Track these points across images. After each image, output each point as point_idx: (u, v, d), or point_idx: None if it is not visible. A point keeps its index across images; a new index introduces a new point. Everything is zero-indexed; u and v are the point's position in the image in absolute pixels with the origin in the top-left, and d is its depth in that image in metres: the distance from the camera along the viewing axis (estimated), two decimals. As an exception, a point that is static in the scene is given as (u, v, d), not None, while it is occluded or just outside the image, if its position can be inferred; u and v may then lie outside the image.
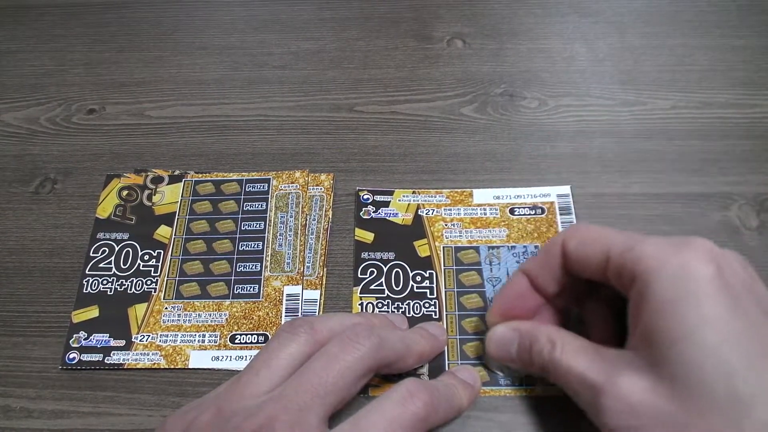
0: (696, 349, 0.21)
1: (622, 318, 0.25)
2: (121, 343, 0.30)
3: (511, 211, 0.34)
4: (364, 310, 0.31)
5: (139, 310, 0.31)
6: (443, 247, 0.33)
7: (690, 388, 0.21)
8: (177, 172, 0.36)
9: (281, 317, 0.31)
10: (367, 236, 0.33)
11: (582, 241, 0.25)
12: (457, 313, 0.31)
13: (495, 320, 0.28)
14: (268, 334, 0.31)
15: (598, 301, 0.27)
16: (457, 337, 0.30)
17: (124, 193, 0.35)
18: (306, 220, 0.34)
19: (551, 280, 0.27)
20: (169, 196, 0.35)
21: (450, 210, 0.34)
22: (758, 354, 0.21)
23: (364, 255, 0.33)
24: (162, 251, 0.33)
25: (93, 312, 0.31)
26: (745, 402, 0.20)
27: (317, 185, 0.35)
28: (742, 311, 0.21)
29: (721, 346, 0.21)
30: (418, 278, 0.32)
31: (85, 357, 0.30)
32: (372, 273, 0.32)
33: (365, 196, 0.35)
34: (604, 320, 0.27)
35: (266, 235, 0.34)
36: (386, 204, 0.34)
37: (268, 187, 0.35)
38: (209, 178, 0.36)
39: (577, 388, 0.24)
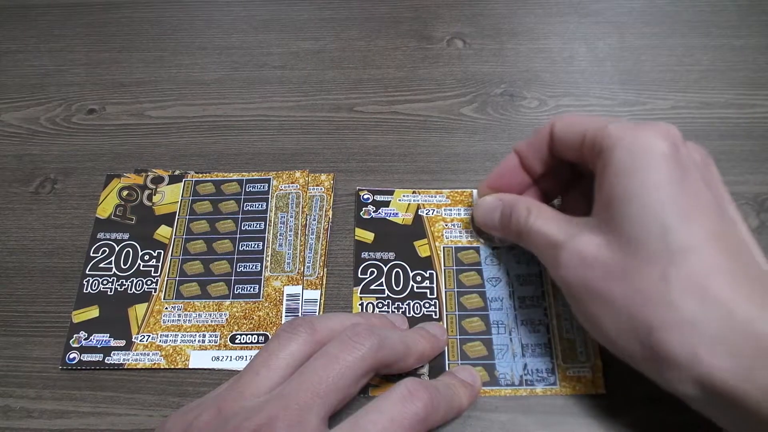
0: (639, 208, 0.23)
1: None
2: (122, 343, 0.30)
3: (511, 211, 0.34)
4: (364, 310, 0.31)
5: (139, 310, 0.31)
6: (443, 247, 0.33)
7: (632, 241, 0.23)
8: (177, 172, 0.36)
9: (281, 317, 0.31)
10: (368, 236, 0.33)
11: (566, 123, 0.28)
12: (457, 313, 0.31)
13: (485, 192, 0.32)
14: (268, 334, 0.31)
15: (576, 191, 0.31)
16: (458, 337, 0.30)
17: (125, 193, 0.35)
18: (306, 220, 0.34)
19: (538, 160, 0.30)
20: (169, 196, 0.35)
21: (450, 210, 0.34)
22: (693, 218, 0.23)
23: (365, 255, 0.33)
24: (162, 251, 0.33)
25: (93, 312, 0.31)
26: (674, 255, 0.23)
27: (317, 185, 0.35)
28: (686, 182, 0.24)
29: (660, 206, 0.23)
30: (419, 278, 0.32)
31: (86, 357, 0.30)
32: (372, 273, 0.32)
33: (365, 196, 0.35)
34: (578, 209, 0.29)
35: (266, 235, 0.34)
36: (386, 204, 0.34)
37: (269, 187, 0.35)
38: (209, 178, 0.36)
39: (542, 247, 0.27)
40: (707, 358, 0.21)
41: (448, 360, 0.29)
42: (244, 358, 0.30)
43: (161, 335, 0.31)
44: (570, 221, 0.27)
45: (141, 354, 0.30)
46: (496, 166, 0.31)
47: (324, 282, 0.32)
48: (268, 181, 0.35)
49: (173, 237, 0.34)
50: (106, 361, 0.30)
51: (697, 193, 0.24)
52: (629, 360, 0.24)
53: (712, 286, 0.22)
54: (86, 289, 0.32)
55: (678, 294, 0.22)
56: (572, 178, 0.31)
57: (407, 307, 0.31)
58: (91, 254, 0.33)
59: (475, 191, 0.35)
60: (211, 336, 0.31)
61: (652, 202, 0.23)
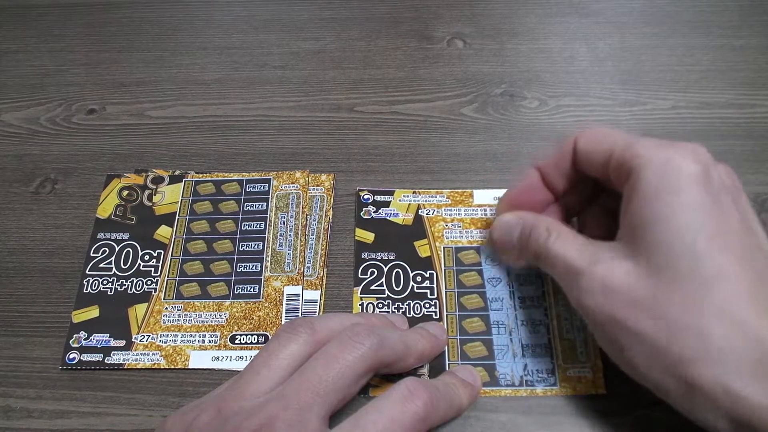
0: (669, 233, 0.22)
1: (616, 226, 0.26)
2: (122, 343, 0.30)
3: (512, 211, 0.34)
4: (364, 311, 0.31)
5: (139, 310, 0.31)
6: (444, 248, 0.33)
7: (661, 268, 0.22)
8: (177, 172, 0.36)
9: (281, 317, 0.31)
10: (368, 236, 0.33)
11: (591, 139, 0.27)
12: (457, 313, 0.31)
13: (503, 210, 0.30)
14: (268, 334, 0.31)
15: (599, 207, 0.29)
16: (458, 337, 0.30)
17: (125, 193, 0.35)
18: (306, 220, 0.34)
19: (561, 176, 0.28)
20: (169, 196, 0.35)
21: (450, 210, 0.34)
22: (724, 243, 0.22)
23: (365, 255, 0.33)
24: (162, 251, 0.33)
25: (93, 312, 0.31)
26: (705, 282, 0.22)
27: (318, 185, 0.35)
28: (717, 206, 0.23)
29: (690, 231, 0.22)
30: (419, 278, 0.32)
31: (86, 357, 0.30)
32: (372, 273, 0.32)
33: (366, 196, 0.35)
34: (600, 226, 0.29)
35: (266, 235, 0.34)
36: (387, 204, 0.34)
37: (269, 187, 0.35)
38: (210, 179, 0.36)
39: (562, 272, 0.26)
40: (740, 389, 0.20)
41: (449, 360, 0.29)
42: (244, 358, 0.30)
43: (161, 335, 0.31)
44: (592, 245, 0.25)
45: (141, 354, 0.30)
46: (516, 182, 0.30)
47: (324, 282, 0.32)
48: (268, 181, 0.35)
49: (173, 237, 0.34)
50: (106, 361, 0.30)
51: (728, 218, 0.23)
52: (664, 396, 0.23)
53: (744, 313, 0.21)
54: (86, 289, 0.32)
55: (710, 324, 0.21)
56: (594, 192, 0.30)
57: (407, 307, 0.31)
58: (91, 254, 0.33)
59: (475, 191, 0.35)
60: (211, 336, 0.31)
61: (682, 226, 0.22)
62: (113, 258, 0.33)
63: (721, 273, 0.22)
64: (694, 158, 0.24)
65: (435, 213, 0.34)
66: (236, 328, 0.31)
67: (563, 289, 0.26)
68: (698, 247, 0.22)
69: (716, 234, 0.22)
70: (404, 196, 0.35)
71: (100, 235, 0.34)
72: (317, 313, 0.31)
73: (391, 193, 0.35)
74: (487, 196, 0.34)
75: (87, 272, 0.33)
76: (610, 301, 0.23)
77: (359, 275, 0.32)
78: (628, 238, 0.24)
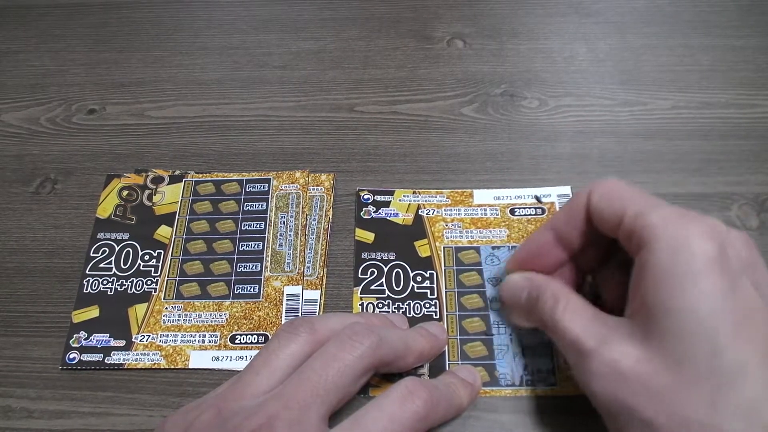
0: (686, 323, 0.21)
1: None
2: (122, 343, 0.30)
3: (512, 212, 0.34)
4: (364, 311, 0.31)
5: (139, 310, 0.31)
6: (444, 248, 0.33)
7: (677, 359, 0.21)
8: (177, 172, 0.36)
9: (281, 317, 0.31)
10: (368, 236, 0.33)
11: (603, 196, 0.25)
12: (457, 313, 0.31)
13: (513, 269, 0.29)
14: (268, 334, 0.31)
15: (615, 265, 0.27)
16: (458, 337, 0.30)
17: (125, 193, 0.35)
18: (306, 220, 0.34)
19: (576, 232, 0.27)
20: (169, 196, 0.35)
21: (450, 210, 0.34)
22: (745, 335, 0.21)
23: (365, 255, 0.33)
24: (162, 251, 0.33)
25: (93, 312, 0.31)
26: (724, 378, 0.20)
27: (317, 185, 0.35)
28: (738, 292, 0.21)
29: (710, 322, 0.21)
30: (419, 278, 0.32)
31: (86, 357, 0.30)
32: (372, 273, 0.32)
33: (366, 196, 0.35)
34: (617, 284, 0.27)
35: (266, 235, 0.34)
36: (387, 204, 0.34)
37: (269, 187, 0.35)
38: (209, 178, 0.36)
39: (569, 349, 0.24)
40: None
41: (449, 360, 0.29)
42: (244, 358, 0.30)
43: (161, 335, 0.31)
44: (602, 321, 0.24)
45: (141, 354, 0.30)
46: (527, 240, 0.29)
47: (324, 282, 0.32)
48: (268, 181, 0.35)
49: (173, 237, 0.34)
50: (106, 361, 0.30)
51: (749, 305, 0.22)
52: None
53: (763, 413, 0.20)
54: (86, 289, 0.32)
55: (726, 422, 0.20)
56: (610, 247, 0.27)
57: (407, 307, 0.31)
58: (91, 254, 0.33)
59: (475, 191, 0.35)
60: (211, 336, 0.31)
61: (701, 317, 0.21)
62: (113, 258, 0.33)
63: (743, 369, 0.20)
64: (709, 237, 0.22)
65: (435, 213, 0.34)
66: (236, 328, 0.31)
67: (570, 365, 0.25)
68: (719, 340, 0.21)
69: (737, 325, 0.21)
70: (404, 196, 0.35)
71: (100, 235, 0.34)
72: (317, 313, 0.31)
73: (391, 193, 0.35)
74: (487, 196, 0.34)
75: (87, 272, 0.33)
76: (622, 387, 0.22)
77: (359, 275, 0.32)
78: (641, 319, 0.22)
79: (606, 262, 0.28)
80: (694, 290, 0.21)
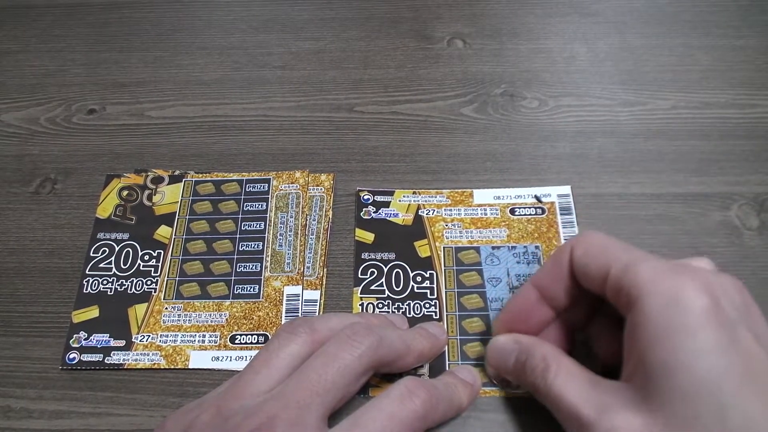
0: (688, 382, 0.20)
1: None
2: (122, 343, 0.30)
3: (512, 212, 0.34)
4: (364, 311, 0.31)
5: (139, 310, 0.31)
6: (444, 248, 0.33)
7: (683, 423, 0.20)
8: (177, 172, 0.36)
9: (281, 317, 0.31)
10: (368, 236, 0.33)
11: (586, 252, 0.25)
12: (457, 313, 0.31)
13: (500, 330, 0.28)
14: (268, 334, 0.31)
15: (606, 319, 0.27)
16: (458, 337, 0.30)
17: (125, 193, 0.35)
18: (306, 220, 0.34)
19: (561, 290, 0.26)
20: (169, 196, 0.35)
21: (450, 210, 0.34)
22: (750, 389, 0.20)
23: (365, 255, 0.33)
24: (162, 251, 0.33)
25: (93, 312, 0.31)
26: None
27: (317, 185, 0.35)
28: (737, 345, 0.21)
29: (713, 381, 0.20)
30: (419, 278, 0.32)
31: (86, 357, 0.30)
32: (372, 273, 0.32)
33: (365, 197, 0.35)
34: (610, 339, 0.26)
35: (266, 235, 0.34)
36: (386, 204, 0.34)
37: (269, 187, 0.35)
38: (209, 178, 0.36)
39: (565, 417, 0.23)
40: None
41: (449, 360, 0.29)
42: (244, 358, 0.30)
43: (161, 335, 0.31)
44: (599, 386, 0.23)
45: (141, 354, 0.30)
46: (511, 301, 0.27)
47: (324, 282, 0.32)
48: (268, 181, 0.35)
49: (173, 237, 0.34)
50: (106, 361, 0.30)
51: (751, 357, 0.21)
52: None
53: None
54: (86, 289, 0.32)
55: None
56: (599, 302, 0.26)
57: (407, 307, 0.31)
58: (91, 254, 0.33)
59: (475, 191, 0.35)
60: (211, 336, 0.31)
61: (703, 375, 0.20)
62: (113, 258, 0.33)
63: (752, 425, 0.20)
64: (702, 289, 0.21)
65: (435, 213, 0.34)
66: (236, 328, 0.31)
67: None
68: (724, 397, 0.20)
69: (741, 379, 0.20)
70: (404, 197, 0.35)
71: (100, 235, 0.34)
72: (317, 313, 0.31)
73: (391, 194, 0.35)
74: (487, 196, 0.34)
75: (87, 272, 0.33)
76: None
77: (359, 275, 0.32)
78: (639, 381, 0.22)
79: (595, 316, 0.27)
80: (693, 347, 0.20)
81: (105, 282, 0.32)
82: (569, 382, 0.24)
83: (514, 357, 0.26)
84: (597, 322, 0.27)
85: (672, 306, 0.21)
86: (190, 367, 0.30)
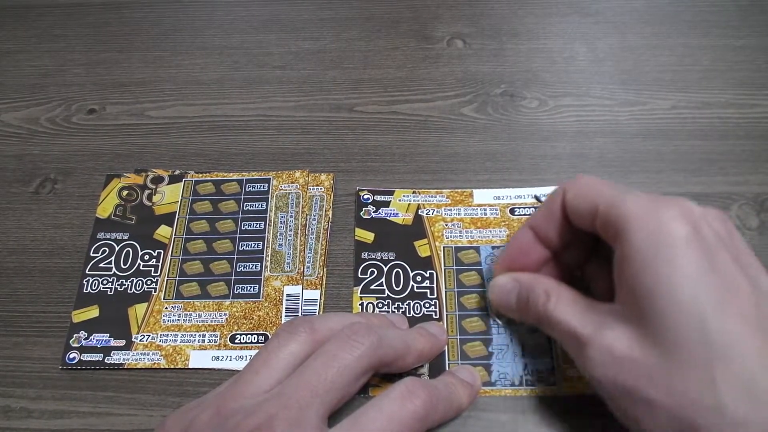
0: (672, 305, 0.22)
1: None
2: (122, 343, 0.30)
3: (512, 211, 0.34)
4: (364, 310, 0.31)
5: (139, 310, 0.31)
6: (443, 247, 0.33)
7: (669, 341, 0.22)
8: (177, 172, 0.36)
9: (281, 317, 0.31)
10: (368, 236, 0.33)
11: (577, 193, 0.26)
12: (457, 313, 0.31)
13: (499, 272, 0.29)
14: (268, 334, 0.31)
15: (600, 257, 0.28)
16: (458, 337, 0.30)
17: (125, 193, 0.35)
18: (306, 220, 0.34)
19: (555, 232, 0.27)
20: (169, 196, 0.35)
21: (450, 210, 0.34)
22: (730, 308, 0.21)
23: (365, 255, 0.33)
24: (162, 251, 0.33)
25: (93, 312, 0.31)
26: (717, 354, 0.21)
27: (317, 185, 0.35)
28: (717, 267, 0.22)
29: (694, 301, 0.21)
30: (419, 278, 0.32)
31: (86, 357, 0.30)
32: (372, 273, 0.32)
33: (365, 196, 0.35)
34: (605, 277, 0.27)
35: (266, 235, 0.34)
36: (386, 204, 0.34)
37: (268, 187, 0.35)
38: (209, 178, 0.36)
39: (566, 339, 0.25)
40: None
41: (448, 360, 0.29)
42: (244, 358, 0.30)
43: (161, 335, 0.31)
44: (594, 308, 0.25)
45: (141, 354, 0.30)
46: (509, 243, 0.29)
47: (324, 282, 0.32)
48: (268, 181, 0.35)
49: (173, 237, 0.34)
50: (106, 361, 0.30)
51: (729, 277, 0.22)
52: None
53: (760, 385, 0.21)
54: (86, 289, 0.32)
55: (726, 397, 0.21)
56: (595, 244, 0.28)
57: (407, 307, 0.31)
58: (91, 254, 0.33)
59: (475, 191, 0.35)
60: (211, 336, 0.31)
61: (685, 297, 0.22)
62: (113, 258, 0.33)
63: (732, 343, 0.21)
64: (682, 218, 0.23)
65: (435, 213, 0.34)
66: (236, 327, 0.31)
67: (570, 355, 0.26)
68: (705, 318, 0.21)
69: (721, 299, 0.21)
70: (404, 196, 0.35)
71: (100, 235, 0.34)
72: (317, 313, 0.31)
73: (391, 193, 0.35)
74: (487, 196, 0.34)
75: (87, 272, 0.33)
76: (620, 371, 0.23)
77: (359, 275, 0.32)
78: (630, 305, 0.23)
79: (591, 257, 0.29)
80: (674, 271, 0.22)
81: (105, 282, 0.32)
82: (568, 308, 0.25)
83: (515, 294, 0.28)
84: (593, 262, 0.29)
85: (654, 236, 0.23)
86: (190, 366, 0.30)
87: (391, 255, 0.33)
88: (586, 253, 0.28)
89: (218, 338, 0.31)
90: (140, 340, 0.31)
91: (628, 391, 0.22)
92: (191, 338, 0.31)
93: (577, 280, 0.29)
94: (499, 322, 0.30)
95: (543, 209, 0.28)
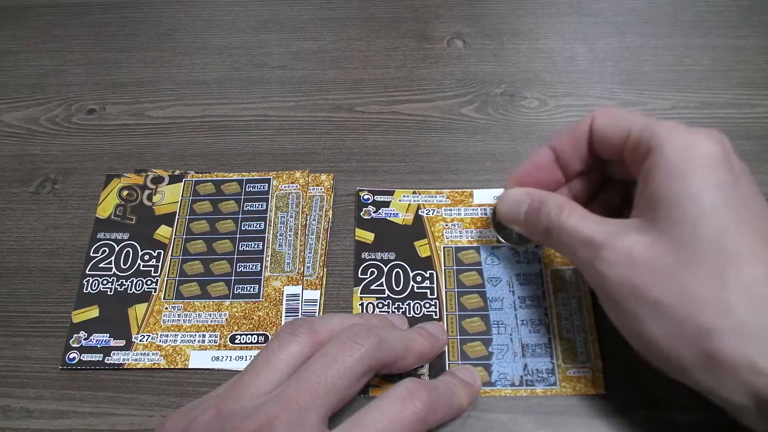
0: (694, 209, 0.23)
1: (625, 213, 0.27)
2: (121, 343, 0.30)
3: (512, 211, 0.34)
4: (364, 311, 0.31)
5: (139, 310, 0.31)
6: (444, 247, 0.33)
7: (685, 243, 0.23)
8: (177, 172, 0.36)
9: (281, 317, 0.31)
10: (368, 236, 0.33)
11: (608, 119, 0.27)
12: (457, 313, 0.31)
13: (512, 186, 0.30)
14: (268, 334, 0.31)
15: (599, 203, 0.30)
16: (458, 337, 0.30)
17: (125, 193, 0.35)
18: (306, 220, 0.34)
19: (576, 156, 0.28)
20: (169, 196, 0.35)
21: (450, 210, 0.34)
22: (747, 223, 0.23)
23: (365, 255, 0.33)
24: (162, 251, 0.33)
25: (93, 312, 0.31)
26: (730, 258, 0.22)
27: (317, 185, 0.35)
28: (739, 187, 0.23)
29: (714, 209, 0.23)
30: (419, 278, 0.32)
31: (85, 357, 0.30)
32: (372, 273, 0.32)
33: (365, 196, 0.35)
34: (610, 211, 0.28)
35: (266, 235, 0.34)
36: (387, 204, 0.34)
37: (269, 187, 0.35)
38: (209, 178, 0.36)
39: (579, 247, 0.25)
40: (765, 364, 0.20)
41: (449, 360, 0.29)
42: (244, 358, 0.30)
43: (161, 335, 0.31)
44: (607, 222, 0.26)
45: (141, 354, 0.30)
46: (527, 161, 0.30)
47: (324, 282, 0.32)
48: (268, 181, 0.35)
49: (173, 237, 0.34)
50: (106, 361, 0.30)
51: (750, 199, 0.23)
52: (679, 374, 0.23)
53: (765, 289, 0.22)
54: (86, 289, 0.32)
55: (735, 298, 0.21)
56: (599, 185, 0.30)
57: (407, 307, 0.31)
58: (91, 254, 0.33)
59: (475, 191, 0.35)
60: (211, 336, 0.31)
61: (706, 204, 0.23)
62: (113, 258, 0.33)
63: (746, 251, 0.22)
64: (715, 140, 0.24)
65: (435, 213, 0.34)
66: (236, 328, 0.31)
67: (576, 263, 0.26)
68: (724, 224, 0.22)
69: (740, 213, 0.23)
70: (404, 196, 0.35)
71: (100, 235, 0.34)
72: (317, 313, 0.31)
73: (391, 193, 0.35)
74: (487, 196, 0.34)
75: (87, 272, 0.33)
76: (634, 271, 0.23)
77: (359, 275, 0.32)
78: (649, 215, 0.24)
79: (596, 198, 0.30)
80: (701, 182, 0.23)
81: (105, 282, 0.32)
82: (582, 219, 0.26)
83: (526, 205, 0.28)
84: (597, 202, 0.30)
85: (687, 149, 0.24)
86: (190, 367, 0.30)
87: (391, 255, 0.33)
88: (591, 189, 0.30)
89: (218, 338, 0.31)
90: (140, 341, 0.31)
91: (640, 292, 0.23)
92: (191, 338, 0.31)
93: None
94: (498, 236, 0.31)
95: (568, 133, 0.28)
